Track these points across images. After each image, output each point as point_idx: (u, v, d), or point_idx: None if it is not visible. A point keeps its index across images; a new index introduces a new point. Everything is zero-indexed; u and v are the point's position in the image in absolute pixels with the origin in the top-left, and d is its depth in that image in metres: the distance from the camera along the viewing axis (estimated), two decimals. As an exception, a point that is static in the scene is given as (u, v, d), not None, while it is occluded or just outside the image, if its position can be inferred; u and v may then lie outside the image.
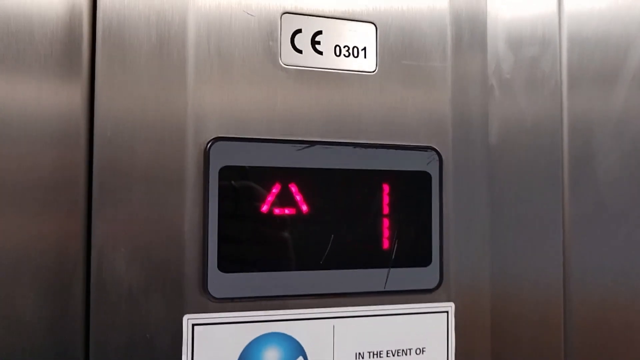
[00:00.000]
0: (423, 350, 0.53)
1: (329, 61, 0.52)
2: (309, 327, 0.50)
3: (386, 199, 0.52)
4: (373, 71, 0.53)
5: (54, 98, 0.45)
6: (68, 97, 0.46)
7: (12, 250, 0.44)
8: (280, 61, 0.51)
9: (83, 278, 0.46)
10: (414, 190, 0.53)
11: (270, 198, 0.49)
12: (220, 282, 0.47)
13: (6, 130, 0.44)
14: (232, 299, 0.48)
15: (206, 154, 0.48)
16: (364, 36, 0.53)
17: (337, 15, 0.52)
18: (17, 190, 0.44)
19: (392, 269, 0.52)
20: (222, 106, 0.49)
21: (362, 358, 0.51)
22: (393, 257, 0.52)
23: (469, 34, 0.57)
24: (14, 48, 0.45)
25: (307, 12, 0.52)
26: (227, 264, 0.48)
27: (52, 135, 0.45)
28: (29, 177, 0.45)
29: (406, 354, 0.53)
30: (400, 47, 0.54)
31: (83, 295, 0.46)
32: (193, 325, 0.47)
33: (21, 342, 0.45)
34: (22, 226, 0.45)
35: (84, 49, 0.46)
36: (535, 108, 0.60)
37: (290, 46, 0.51)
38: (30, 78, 0.45)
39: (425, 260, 0.53)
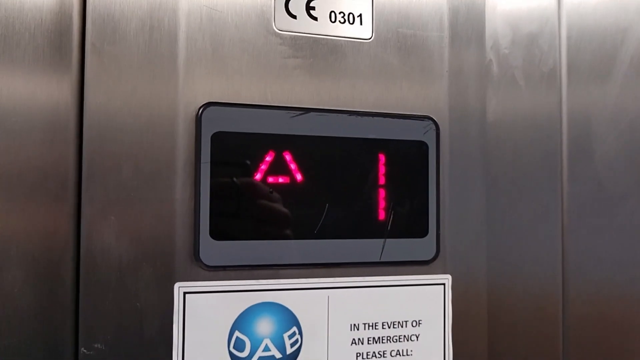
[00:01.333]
0: (419, 323, 0.52)
1: (323, 27, 0.51)
2: (303, 298, 0.49)
3: (382, 169, 0.51)
4: (369, 38, 0.52)
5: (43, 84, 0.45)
6: (57, 83, 0.45)
7: (3, 233, 0.44)
8: (273, 27, 0.50)
9: (73, 251, 0.45)
10: (411, 160, 0.52)
11: (263, 166, 0.48)
12: (212, 250, 0.46)
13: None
14: (224, 267, 0.47)
15: (198, 120, 0.47)
16: (359, 2, 0.52)
17: (332, -19, 0.52)
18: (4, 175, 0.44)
19: (387, 240, 0.51)
20: (214, 72, 0.48)
21: (357, 329, 0.51)
22: (389, 227, 0.51)
23: (466, 8, 0.56)
24: (2, 40, 0.44)
25: (302, -22, 0.51)
26: (219, 232, 0.47)
27: (42, 109, 0.45)
28: (18, 159, 0.44)
29: (402, 326, 0.52)
30: (396, 15, 0.53)
31: (73, 268, 0.45)
32: (185, 293, 0.46)
33: (10, 314, 0.44)
34: (12, 210, 0.44)
35: (74, 39, 0.46)
36: (533, 86, 0.59)
37: (284, 11, 0.50)
38: (20, 70, 0.44)
39: (421, 231, 0.53)
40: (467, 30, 0.56)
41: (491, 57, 0.57)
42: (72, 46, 0.46)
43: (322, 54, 0.51)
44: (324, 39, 0.51)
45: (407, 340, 0.52)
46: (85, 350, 0.45)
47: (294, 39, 0.50)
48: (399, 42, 0.53)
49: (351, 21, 0.52)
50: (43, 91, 0.45)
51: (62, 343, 0.45)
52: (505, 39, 0.58)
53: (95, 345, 0.45)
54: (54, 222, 0.45)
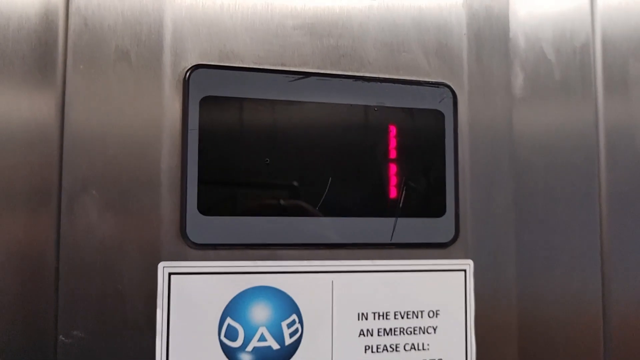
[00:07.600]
0: (437, 313, 0.46)
1: (325, -15, 0.46)
2: (304, 282, 0.44)
3: (393, 141, 0.46)
4: (376, -2, 0.48)
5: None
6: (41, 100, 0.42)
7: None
8: (270, -16, 0.45)
9: (55, 230, 0.41)
10: (425, 131, 0.47)
11: (258, 134, 0.44)
12: (201, 226, 0.42)
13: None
14: (214, 246, 0.42)
15: (185, 83, 0.43)
16: (365, -41, 0.47)
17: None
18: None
19: (399, 219, 0.46)
20: (203, 32, 0.44)
21: (366, 319, 0.45)
22: (401, 205, 0.46)
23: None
24: None
25: None
26: (208, 206, 0.42)
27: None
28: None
29: (417, 317, 0.46)
30: (407, -28, 0.48)
31: (55, 249, 0.41)
32: (170, 274, 0.42)
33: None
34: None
35: (59, 54, 0.42)
36: (564, 61, 0.53)
37: (282, -33, 0.46)
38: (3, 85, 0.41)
39: (438, 210, 0.47)
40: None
41: (516, 30, 0.52)
42: (57, 60, 0.42)
43: (324, 13, 0.46)
44: (326, -3, 0.46)
45: (423, 333, 0.46)
46: (63, 339, 0.41)
47: (293, -3, 0.46)
48: (410, 2, 0.48)
49: (356, -21, 0.47)
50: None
51: (43, 331, 0.41)
52: (533, 16, 0.53)
53: (75, 333, 0.41)
54: (35, 200, 0.41)
